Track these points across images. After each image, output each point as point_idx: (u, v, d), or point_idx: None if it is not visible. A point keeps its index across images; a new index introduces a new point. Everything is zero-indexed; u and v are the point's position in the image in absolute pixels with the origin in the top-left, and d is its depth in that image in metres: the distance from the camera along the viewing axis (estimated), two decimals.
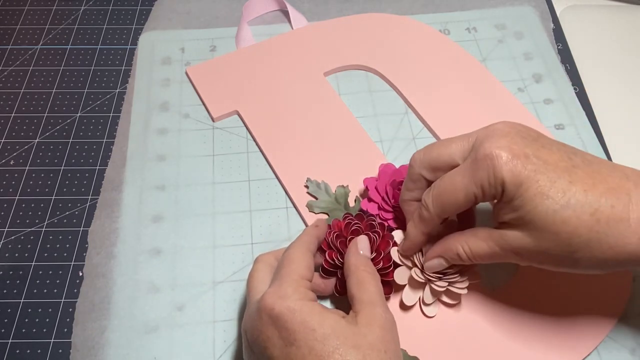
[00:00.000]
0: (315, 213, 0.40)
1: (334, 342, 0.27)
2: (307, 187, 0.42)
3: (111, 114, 0.48)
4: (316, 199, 0.41)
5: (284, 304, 0.28)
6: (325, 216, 0.41)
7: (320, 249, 0.36)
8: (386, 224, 0.37)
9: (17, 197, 0.43)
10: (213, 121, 0.47)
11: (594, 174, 0.30)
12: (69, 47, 0.53)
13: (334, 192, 0.41)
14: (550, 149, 0.30)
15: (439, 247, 0.34)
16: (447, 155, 0.32)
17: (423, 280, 0.35)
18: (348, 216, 0.37)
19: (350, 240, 0.35)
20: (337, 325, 0.28)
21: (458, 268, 0.35)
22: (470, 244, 0.32)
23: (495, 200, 0.31)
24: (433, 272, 0.35)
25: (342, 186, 0.41)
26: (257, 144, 0.45)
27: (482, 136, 0.31)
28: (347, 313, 0.30)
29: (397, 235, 0.37)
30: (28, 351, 0.36)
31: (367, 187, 0.40)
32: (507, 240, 0.31)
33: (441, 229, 0.35)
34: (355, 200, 0.41)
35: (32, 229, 0.41)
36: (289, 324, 0.28)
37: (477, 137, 0.31)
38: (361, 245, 0.34)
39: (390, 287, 0.36)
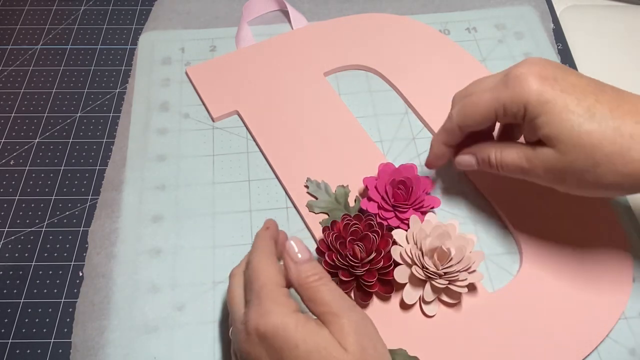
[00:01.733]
0: (315, 213, 0.40)
1: (317, 357, 0.27)
2: (307, 187, 0.42)
3: (111, 114, 0.48)
4: (316, 198, 0.41)
5: (268, 322, 0.27)
6: (271, 215, 0.41)
7: (320, 251, 0.36)
8: (386, 224, 0.37)
9: (17, 197, 0.43)
10: (213, 121, 0.47)
11: (621, 98, 0.32)
12: (69, 47, 0.53)
13: (334, 192, 0.41)
14: (580, 77, 0.33)
15: (475, 147, 0.37)
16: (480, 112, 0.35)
17: (424, 278, 0.35)
18: (346, 217, 0.37)
19: (350, 242, 0.35)
20: (320, 340, 0.27)
21: (459, 267, 0.35)
22: (503, 151, 0.35)
23: (518, 122, 0.34)
24: (434, 270, 0.35)
25: (342, 186, 0.41)
26: (257, 144, 0.45)
27: (516, 64, 0.34)
28: None
29: (397, 234, 0.37)
30: (28, 351, 0.36)
31: (366, 187, 0.40)
32: (536, 155, 0.33)
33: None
34: (355, 200, 0.41)
35: (32, 229, 0.41)
36: (274, 341, 0.27)
37: (511, 66, 0.34)
38: (292, 251, 0.30)
39: (390, 286, 0.36)
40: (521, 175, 0.35)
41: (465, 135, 0.37)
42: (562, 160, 0.32)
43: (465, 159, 0.38)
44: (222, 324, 0.37)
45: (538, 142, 0.33)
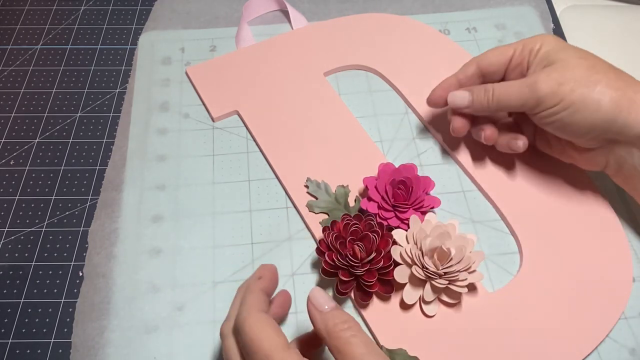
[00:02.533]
0: (315, 213, 0.40)
1: None
2: (307, 187, 0.42)
3: (111, 114, 0.48)
4: (316, 198, 0.41)
5: None
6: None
7: (320, 251, 0.36)
8: (385, 224, 0.37)
9: (17, 197, 0.43)
10: (213, 121, 0.47)
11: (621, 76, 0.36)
12: (69, 47, 0.53)
13: (334, 192, 0.41)
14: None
15: (471, 86, 0.40)
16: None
17: (424, 278, 0.35)
18: (346, 217, 0.37)
19: (350, 242, 0.35)
20: None
21: (459, 267, 0.35)
22: (501, 84, 0.38)
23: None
24: (434, 270, 0.35)
25: (342, 186, 0.41)
26: (257, 144, 0.45)
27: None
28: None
29: (397, 234, 0.37)
30: (28, 351, 0.36)
31: (366, 187, 0.40)
32: (540, 74, 0.36)
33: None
34: (355, 200, 0.41)
35: (32, 229, 0.41)
36: None
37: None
38: (317, 301, 0.29)
39: (390, 286, 0.36)
40: (519, 96, 0.37)
41: (477, 80, 0.41)
42: (563, 72, 0.35)
43: (459, 94, 0.40)
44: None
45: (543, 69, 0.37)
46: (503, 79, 0.40)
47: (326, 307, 0.28)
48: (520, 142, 0.39)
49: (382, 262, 0.35)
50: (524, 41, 0.39)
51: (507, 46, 0.39)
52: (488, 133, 0.40)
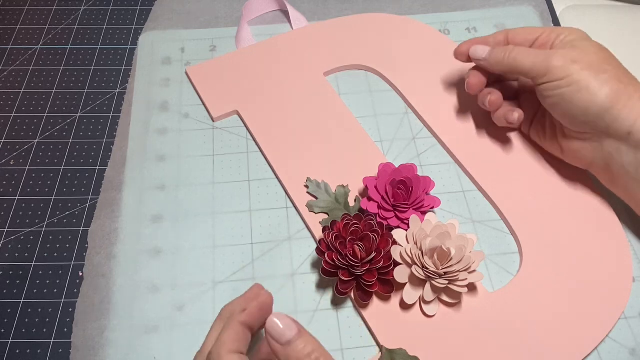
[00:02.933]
0: (315, 213, 0.40)
1: None
2: (307, 187, 0.42)
3: (111, 114, 0.48)
4: (316, 198, 0.41)
5: None
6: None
7: (319, 251, 0.36)
8: (385, 223, 0.37)
9: (17, 197, 0.43)
10: (213, 121, 0.47)
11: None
12: (69, 47, 0.53)
13: (334, 191, 0.41)
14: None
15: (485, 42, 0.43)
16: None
17: (423, 278, 0.35)
18: (346, 217, 0.37)
19: (350, 242, 0.35)
20: None
21: (459, 267, 0.35)
22: (521, 47, 0.40)
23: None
24: (434, 270, 0.35)
25: (342, 186, 0.41)
26: (257, 144, 0.45)
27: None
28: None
29: (397, 234, 0.37)
30: (28, 351, 0.36)
31: (366, 187, 0.40)
32: (559, 49, 0.38)
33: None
34: (355, 200, 0.41)
35: (32, 229, 0.41)
36: None
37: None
38: (275, 332, 0.27)
39: (390, 286, 0.36)
40: (533, 58, 0.38)
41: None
42: (574, 51, 0.38)
43: (480, 47, 0.42)
44: None
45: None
46: None
47: (288, 336, 0.26)
48: (517, 114, 0.41)
49: (382, 262, 0.35)
50: (554, 27, 0.42)
51: (538, 28, 0.41)
52: (494, 98, 0.42)
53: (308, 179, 0.42)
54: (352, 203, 0.41)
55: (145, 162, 0.44)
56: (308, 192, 0.42)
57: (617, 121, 0.36)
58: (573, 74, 0.37)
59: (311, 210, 0.41)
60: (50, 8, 0.56)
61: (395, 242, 0.36)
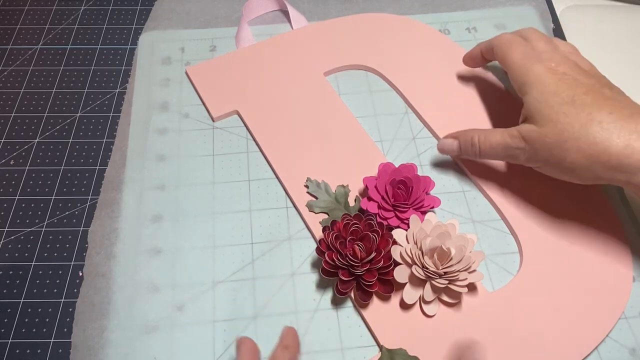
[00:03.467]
0: (315, 213, 0.40)
1: None
2: (307, 187, 0.42)
3: (111, 114, 0.48)
4: (316, 198, 0.41)
5: None
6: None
7: (319, 251, 0.36)
8: (385, 223, 0.37)
9: (17, 197, 0.43)
10: (213, 121, 0.47)
11: (614, 99, 0.35)
12: (69, 47, 0.53)
13: (334, 191, 0.41)
14: (590, 77, 0.37)
15: (457, 132, 0.41)
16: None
17: (423, 278, 0.35)
18: (346, 217, 0.37)
19: (350, 242, 0.35)
20: None
21: (459, 266, 0.35)
22: (487, 133, 0.39)
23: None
24: (434, 270, 0.35)
25: (342, 186, 0.41)
26: (257, 144, 0.45)
27: (556, 43, 0.40)
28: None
29: (397, 234, 0.37)
30: (28, 351, 0.36)
31: (366, 186, 0.40)
32: (519, 129, 0.37)
33: None
34: (355, 200, 0.41)
35: (32, 229, 0.41)
36: None
37: (553, 40, 0.40)
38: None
39: (390, 286, 0.36)
40: (502, 154, 0.38)
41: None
42: (538, 132, 0.36)
43: (447, 142, 0.42)
44: (222, 323, 0.37)
45: (524, 121, 0.38)
46: None
47: None
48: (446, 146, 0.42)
49: (382, 262, 0.35)
50: (520, 67, 0.39)
51: (513, 57, 0.40)
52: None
53: (308, 179, 0.42)
54: (352, 203, 0.41)
55: (145, 162, 0.44)
56: (308, 192, 0.42)
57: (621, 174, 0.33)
58: (548, 133, 0.35)
59: (311, 210, 0.41)
60: (50, 8, 0.56)
61: (395, 242, 0.36)
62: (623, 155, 0.33)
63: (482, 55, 0.45)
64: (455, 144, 0.41)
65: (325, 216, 0.40)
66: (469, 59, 0.47)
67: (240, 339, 0.32)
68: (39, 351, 0.36)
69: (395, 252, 0.36)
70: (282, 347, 0.31)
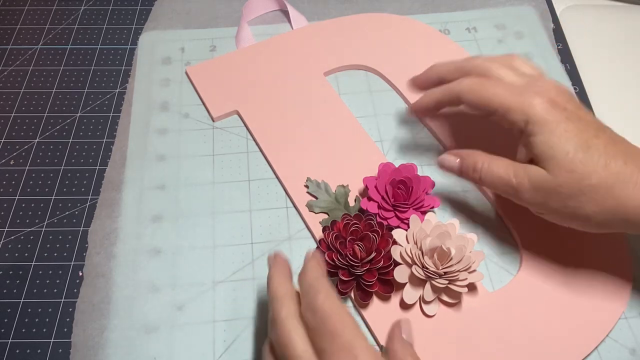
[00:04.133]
0: (315, 213, 0.40)
1: None
2: (307, 187, 0.42)
3: (111, 114, 0.48)
4: (316, 198, 0.41)
5: None
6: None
7: (320, 251, 0.36)
8: (385, 223, 0.37)
9: (17, 197, 0.43)
10: (213, 121, 0.47)
11: (618, 142, 0.33)
12: (69, 47, 0.53)
13: (334, 191, 0.41)
14: (588, 113, 0.34)
15: (463, 151, 0.38)
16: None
17: (423, 278, 0.35)
18: (346, 217, 0.37)
19: (350, 242, 0.35)
20: None
21: (459, 266, 0.35)
22: (492, 162, 0.35)
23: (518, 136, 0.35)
24: (434, 270, 0.35)
25: (342, 186, 0.41)
26: (257, 144, 0.45)
27: (539, 80, 0.35)
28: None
29: (397, 234, 0.37)
30: (28, 351, 0.36)
31: (366, 186, 0.40)
32: (526, 171, 0.34)
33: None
34: (355, 200, 0.41)
35: (32, 229, 0.41)
36: None
37: (535, 77, 0.36)
38: (405, 330, 0.29)
39: (390, 286, 0.36)
40: (503, 190, 0.35)
41: (456, 112, 0.39)
42: (551, 182, 0.33)
43: (449, 160, 0.38)
44: (222, 323, 0.37)
45: (529, 162, 0.35)
46: None
47: (404, 336, 0.28)
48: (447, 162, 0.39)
49: (382, 262, 0.35)
50: (510, 104, 0.34)
51: (494, 96, 0.35)
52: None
53: (308, 179, 0.42)
54: (352, 203, 0.41)
55: (145, 162, 0.44)
56: (308, 192, 0.42)
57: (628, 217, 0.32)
58: (549, 207, 0.33)
59: (311, 210, 0.41)
60: (50, 8, 0.56)
61: (395, 242, 0.36)
62: None
63: (440, 86, 0.40)
64: (456, 163, 0.38)
65: (325, 216, 0.40)
66: (420, 107, 0.41)
67: (273, 254, 0.32)
68: (39, 351, 0.36)
69: (395, 252, 0.36)
70: (317, 263, 0.31)
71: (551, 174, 0.33)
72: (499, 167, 0.35)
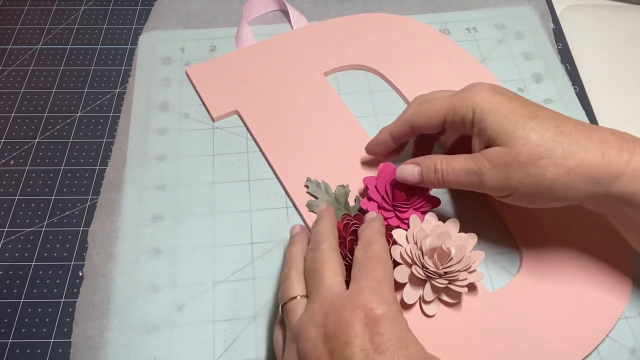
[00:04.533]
0: (315, 213, 0.40)
1: None
2: (307, 187, 0.42)
3: (111, 114, 0.48)
4: (316, 198, 0.41)
5: (389, 312, 0.27)
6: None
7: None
8: (385, 223, 0.37)
9: (17, 197, 0.43)
10: (213, 121, 0.47)
11: (562, 114, 0.34)
12: (69, 47, 0.53)
13: (334, 191, 0.41)
14: (529, 99, 0.35)
15: (419, 158, 0.38)
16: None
17: (424, 278, 0.35)
18: (346, 217, 0.37)
19: (350, 241, 0.35)
20: (424, 353, 0.28)
21: (459, 266, 0.35)
22: (449, 159, 0.36)
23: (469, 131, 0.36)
24: (434, 270, 0.35)
25: (342, 186, 0.41)
26: (257, 144, 0.45)
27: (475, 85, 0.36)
28: None
29: (397, 234, 0.37)
30: (28, 351, 0.36)
31: (366, 186, 0.40)
32: (484, 154, 0.34)
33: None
34: (355, 200, 0.41)
35: (32, 229, 0.41)
36: (387, 332, 0.27)
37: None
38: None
39: None
40: (466, 180, 0.35)
41: (413, 135, 0.40)
42: (509, 154, 0.33)
43: (408, 169, 0.37)
44: (222, 323, 0.37)
45: (486, 145, 0.35)
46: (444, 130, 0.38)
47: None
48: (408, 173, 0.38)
49: None
50: (455, 104, 0.35)
51: (439, 106, 0.36)
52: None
53: (308, 179, 0.42)
54: (352, 203, 0.41)
55: (145, 162, 0.44)
56: (308, 192, 0.42)
57: (610, 190, 0.32)
58: (516, 189, 0.33)
59: (311, 210, 0.41)
60: (50, 8, 0.56)
61: (395, 242, 0.36)
62: (601, 165, 0.31)
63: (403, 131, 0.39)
64: (416, 171, 0.37)
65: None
66: (375, 145, 0.42)
67: (325, 207, 0.37)
68: (39, 351, 0.36)
69: (395, 252, 0.36)
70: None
71: (507, 147, 0.33)
72: (458, 161, 0.35)
